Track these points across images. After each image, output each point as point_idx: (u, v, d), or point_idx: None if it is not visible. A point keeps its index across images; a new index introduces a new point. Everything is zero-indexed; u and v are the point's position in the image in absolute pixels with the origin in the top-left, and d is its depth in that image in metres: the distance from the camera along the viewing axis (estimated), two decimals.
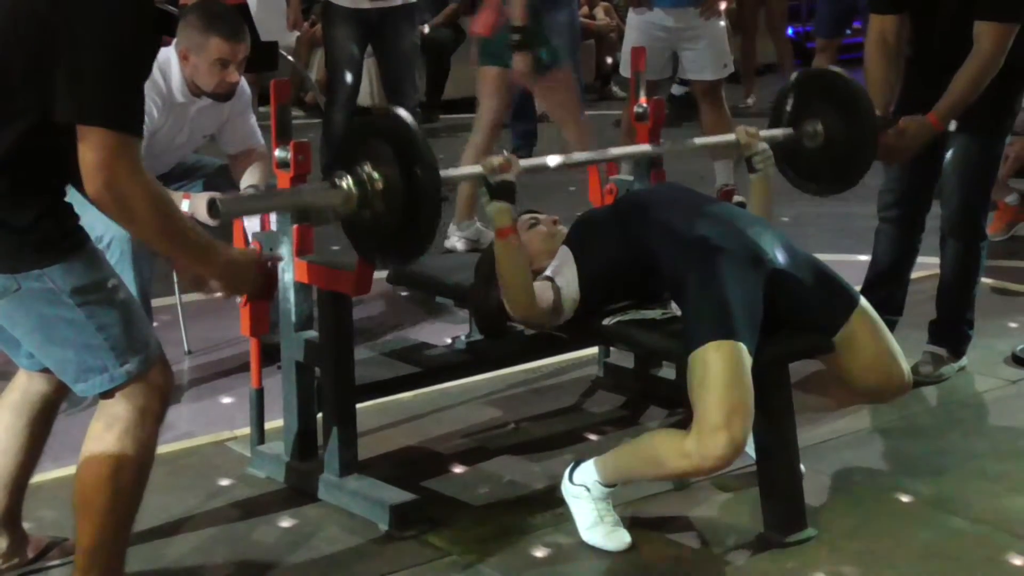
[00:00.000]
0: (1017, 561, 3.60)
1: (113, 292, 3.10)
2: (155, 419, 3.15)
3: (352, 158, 3.42)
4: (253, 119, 5.09)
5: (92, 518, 3.13)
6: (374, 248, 3.56)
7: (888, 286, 4.99)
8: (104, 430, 3.10)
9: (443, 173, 3.45)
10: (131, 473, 3.13)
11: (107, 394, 3.11)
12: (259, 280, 3.30)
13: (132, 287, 4.59)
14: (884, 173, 5.02)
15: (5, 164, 2.92)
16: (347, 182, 3.39)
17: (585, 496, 3.68)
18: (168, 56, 4.72)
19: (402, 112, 3.42)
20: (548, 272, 3.79)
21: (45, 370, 3.26)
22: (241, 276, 3.21)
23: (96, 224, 4.55)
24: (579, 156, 4.58)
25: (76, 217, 3.10)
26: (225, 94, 4.77)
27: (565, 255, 3.81)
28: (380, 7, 7.51)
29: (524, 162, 3.76)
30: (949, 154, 4.84)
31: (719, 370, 3.42)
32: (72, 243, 3.07)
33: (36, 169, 2.97)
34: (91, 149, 2.82)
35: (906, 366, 3.81)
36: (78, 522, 3.17)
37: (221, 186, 4.90)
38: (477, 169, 3.70)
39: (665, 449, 3.51)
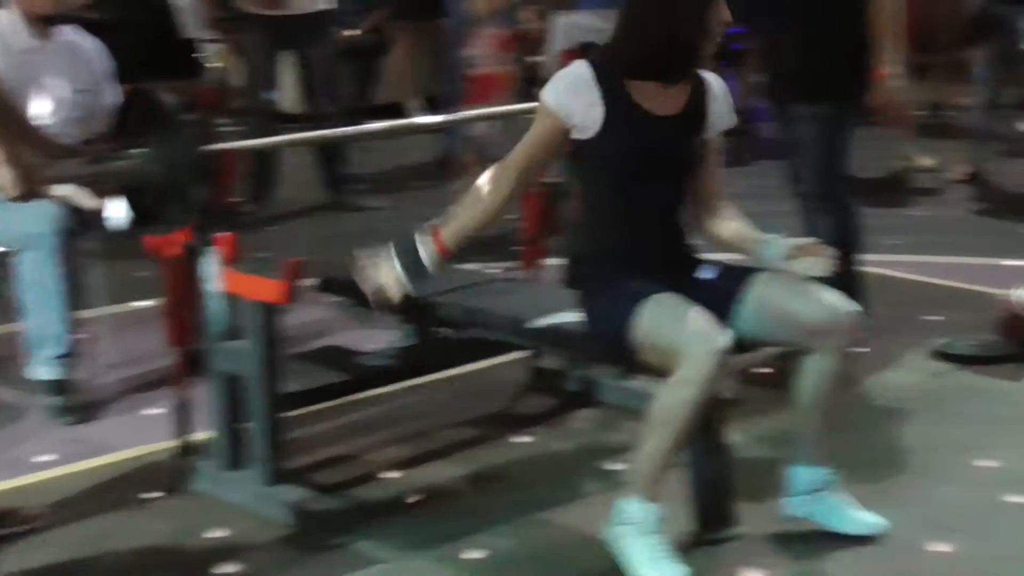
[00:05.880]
0: (940, 548, 3.66)
1: None
2: None
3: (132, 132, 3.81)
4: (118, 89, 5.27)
5: None
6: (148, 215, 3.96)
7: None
8: None
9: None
10: None
11: None
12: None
13: (55, 289, 4.58)
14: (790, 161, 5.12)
15: None
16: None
17: (631, 533, 3.49)
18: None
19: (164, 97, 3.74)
20: None
21: None
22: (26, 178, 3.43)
23: (27, 222, 4.57)
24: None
25: None
26: (47, 12, 4.95)
27: None
28: (292, 14, 7.53)
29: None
30: (800, 133, 4.99)
31: (659, 314, 3.42)
32: None
33: None
34: None
35: (840, 299, 3.63)
36: None
37: None
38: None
39: (665, 400, 3.41)
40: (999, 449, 4.32)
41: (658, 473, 3.49)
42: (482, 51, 7.37)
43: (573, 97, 3.59)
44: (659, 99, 3.63)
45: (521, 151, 3.67)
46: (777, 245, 3.67)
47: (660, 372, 3.45)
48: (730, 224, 3.80)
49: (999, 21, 8.09)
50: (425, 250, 3.61)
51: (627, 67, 3.62)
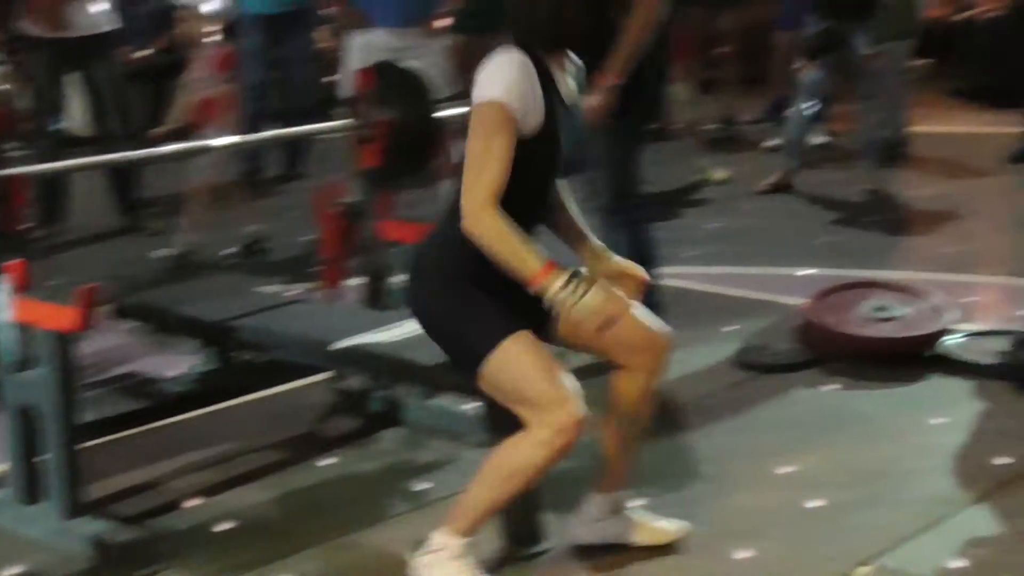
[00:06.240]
0: (743, 554, 3.72)
1: None
2: None
3: None
4: None
5: None
6: None
7: None
8: None
9: None
10: None
11: None
12: None
13: None
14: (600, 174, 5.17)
15: None
16: None
17: (440, 560, 3.45)
18: None
19: None
20: None
21: None
22: None
23: None
24: None
25: None
26: None
27: None
28: (75, 36, 7.40)
29: None
30: (597, 148, 5.01)
31: (528, 357, 3.34)
32: None
33: None
34: None
35: (655, 319, 3.67)
36: None
37: None
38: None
39: (517, 455, 3.36)
40: (799, 455, 4.41)
41: (486, 519, 3.49)
42: (200, 74, 7.28)
43: (531, 93, 3.30)
44: (563, 81, 3.46)
45: (499, 174, 3.27)
46: (602, 263, 3.64)
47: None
48: (569, 216, 3.69)
49: (840, 38, 8.31)
50: (573, 273, 3.28)
51: (551, 36, 3.38)
